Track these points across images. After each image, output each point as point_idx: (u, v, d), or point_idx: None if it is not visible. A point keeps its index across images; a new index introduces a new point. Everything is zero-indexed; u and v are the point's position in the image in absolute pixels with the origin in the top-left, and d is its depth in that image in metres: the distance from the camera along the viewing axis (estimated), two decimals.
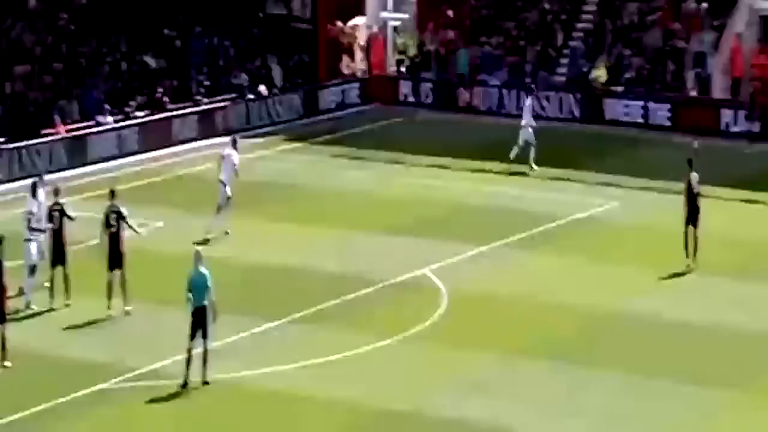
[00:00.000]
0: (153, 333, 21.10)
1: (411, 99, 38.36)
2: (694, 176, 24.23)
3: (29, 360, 19.95)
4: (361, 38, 40.66)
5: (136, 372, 19.37)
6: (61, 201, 22.67)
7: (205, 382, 18.88)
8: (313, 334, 20.91)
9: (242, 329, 21.03)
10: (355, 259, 24.77)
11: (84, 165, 31.18)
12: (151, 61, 35.96)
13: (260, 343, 20.70)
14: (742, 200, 29.15)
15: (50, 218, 22.24)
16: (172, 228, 26.82)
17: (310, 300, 22.20)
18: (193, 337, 18.82)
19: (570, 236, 26.42)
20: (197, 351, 18.87)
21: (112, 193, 22.24)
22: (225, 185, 26.35)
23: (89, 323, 21.44)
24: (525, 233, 26.36)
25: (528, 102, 31.70)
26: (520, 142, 31.24)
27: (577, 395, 18.76)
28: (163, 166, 32.17)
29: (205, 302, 18.82)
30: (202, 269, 18.99)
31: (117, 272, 21.82)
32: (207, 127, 34.54)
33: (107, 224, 21.81)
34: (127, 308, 21.74)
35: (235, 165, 26.69)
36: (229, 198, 26.30)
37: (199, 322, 18.82)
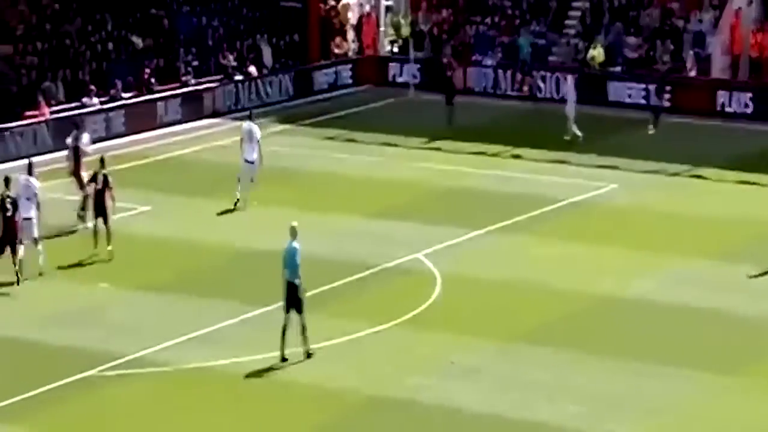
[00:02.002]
0: (138, 319, 20.91)
1: (403, 79, 38.12)
2: None
3: (14, 347, 19.76)
4: (353, 18, 40.41)
5: (122, 359, 19.18)
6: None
7: (309, 354, 18.95)
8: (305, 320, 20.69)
9: (231, 315, 20.87)
10: (347, 244, 24.58)
11: (66, 148, 30.78)
12: (137, 41, 35.67)
13: (251, 329, 20.52)
14: (739, 182, 29.04)
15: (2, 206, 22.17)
16: (159, 212, 26.62)
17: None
18: (287, 310, 18.83)
19: (568, 219, 26.27)
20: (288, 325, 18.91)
21: (7, 182, 22.50)
22: (253, 163, 26.57)
23: (72, 309, 21.25)
24: (522, 216, 26.20)
25: (570, 82, 31.81)
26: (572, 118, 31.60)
27: (569, 380, 18.65)
28: (149, 148, 31.94)
29: (297, 280, 18.80)
30: (295, 244, 18.96)
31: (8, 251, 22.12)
32: (195, 109, 34.28)
33: (2, 209, 22.11)
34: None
35: (258, 140, 26.72)
36: (246, 178, 26.58)
37: (291, 297, 18.81)
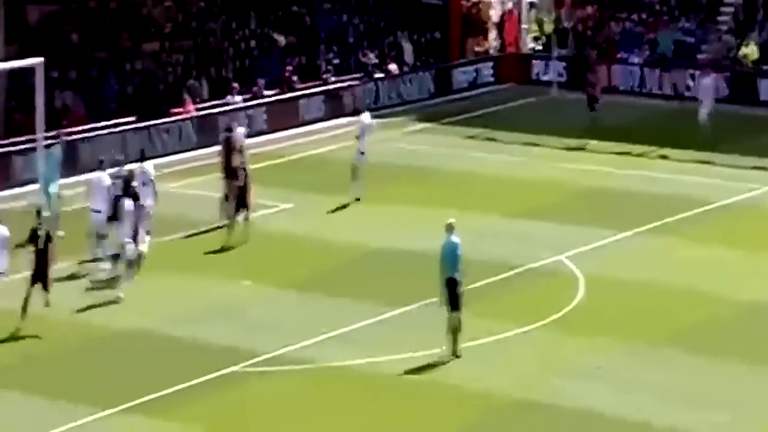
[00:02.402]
0: (279, 317, 21.26)
1: (548, 78, 37.87)
2: None
3: (157, 342, 20.31)
4: (495, 15, 40.33)
5: (263, 357, 19.53)
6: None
7: (457, 355, 19.12)
8: (443, 321, 20.73)
9: (372, 315, 21.08)
10: (488, 244, 24.53)
11: (213, 145, 31.36)
12: (279, 39, 36.24)
13: (391, 329, 20.70)
14: None
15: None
16: (300, 210, 26.99)
17: (436, 285, 21.97)
18: (453, 307, 19.09)
19: (717, 222, 25.80)
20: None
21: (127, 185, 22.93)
22: (363, 154, 27.14)
23: (216, 305, 21.68)
24: (669, 218, 25.81)
25: (707, 81, 31.49)
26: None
27: (715, 386, 18.41)
28: (291, 146, 32.40)
29: (457, 274, 19.03)
30: (454, 239, 19.16)
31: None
32: (335, 107, 34.64)
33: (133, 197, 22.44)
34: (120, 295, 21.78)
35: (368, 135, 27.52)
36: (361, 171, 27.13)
37: (450, 293, 19.07)
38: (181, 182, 28.67)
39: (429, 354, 19.39)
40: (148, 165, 24.04)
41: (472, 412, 17.88)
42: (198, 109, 32.50)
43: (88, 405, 17.83)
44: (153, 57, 33.62)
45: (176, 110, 32.22)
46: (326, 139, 32.90)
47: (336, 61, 36.57)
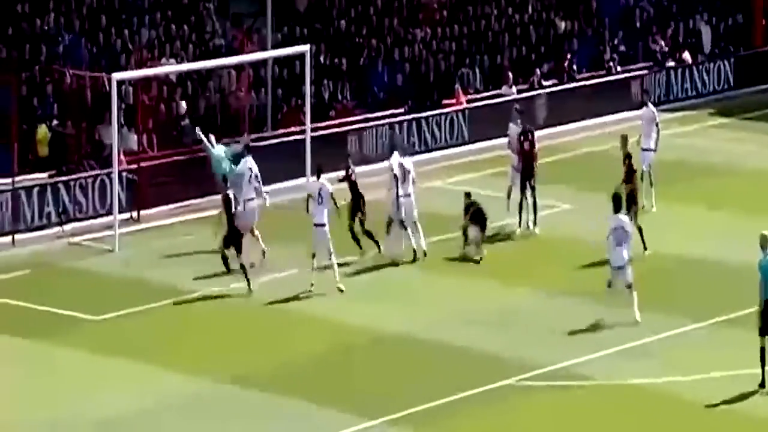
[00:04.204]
0: (559, 327, 21.15)
1: None
2: None
3: (428, 349, 20.57)
4: None
5: (541, 370, 19.50)
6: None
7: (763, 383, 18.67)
8: (745, 340, 20.09)
9: (662, 330, 20.73)
10: None
11: (483, 140, 31.50)
12: (560, 24, 36.07)
13: (683, 346, 20.32)
14: None
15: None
16: (581, 210, 26.74)
17: (738, 300, 21.36)
18: (763, 332, 18.49)
19: None
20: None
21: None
22: (647, 151, 26.61)
23: (491, 310, 21.80)
24: None
25: None
26: None
27: None
28: (572, 141, 32.15)
29: None
30: None
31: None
32: (621, 99, 34.16)
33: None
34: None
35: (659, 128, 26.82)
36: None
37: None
38: (454, 179, 28.94)
39: (722, 376, 18.90)
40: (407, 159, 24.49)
41: None
42: (469, 101, 32.70)
43: (354, 414, 18.18)
44: (423, 44, 34.07)
45: (448, 101, 32.52)
46: (611, 133, 32.48)
47: (622, 48, 36.10)
